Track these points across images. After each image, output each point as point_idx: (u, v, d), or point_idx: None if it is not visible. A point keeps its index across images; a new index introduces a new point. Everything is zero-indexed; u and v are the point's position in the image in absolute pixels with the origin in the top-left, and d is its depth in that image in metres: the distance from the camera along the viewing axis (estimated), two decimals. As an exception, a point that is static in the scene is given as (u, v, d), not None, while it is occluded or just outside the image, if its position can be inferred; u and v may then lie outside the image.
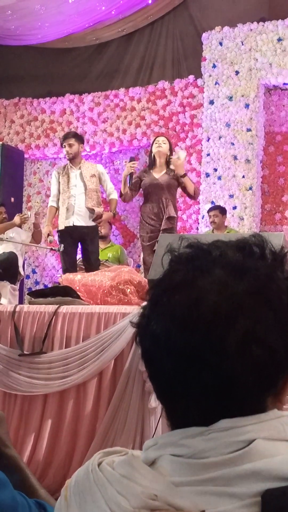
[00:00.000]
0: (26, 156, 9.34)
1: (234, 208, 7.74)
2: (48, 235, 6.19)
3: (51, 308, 3.91)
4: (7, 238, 6.64)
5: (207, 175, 7.98)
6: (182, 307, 0.76)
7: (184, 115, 8.39)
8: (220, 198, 7.82)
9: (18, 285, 6.94)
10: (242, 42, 7.94)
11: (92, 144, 8.87)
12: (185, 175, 5.88)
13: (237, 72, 7.93)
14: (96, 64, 9.26)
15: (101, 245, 6.98)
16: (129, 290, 4.04)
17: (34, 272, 9.25)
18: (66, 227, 6.05)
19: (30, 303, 4.21)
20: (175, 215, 5.93)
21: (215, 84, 8.05)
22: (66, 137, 6.24)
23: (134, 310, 3.62)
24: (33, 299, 4.22)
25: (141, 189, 6.05)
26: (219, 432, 0.74)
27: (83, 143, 6.37)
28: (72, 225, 6.04)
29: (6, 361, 3.88)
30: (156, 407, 3.43)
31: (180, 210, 7.77)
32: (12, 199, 8.61)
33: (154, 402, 3.41)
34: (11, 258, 6.62)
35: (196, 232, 7.90)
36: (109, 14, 8.84)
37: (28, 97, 9.45)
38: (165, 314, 0.77)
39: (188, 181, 5.92)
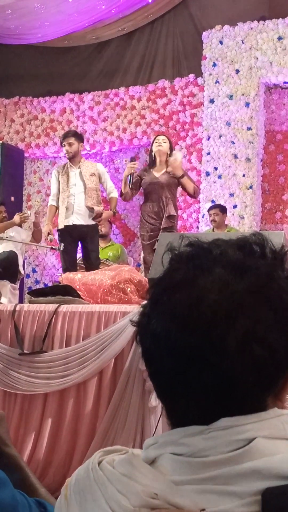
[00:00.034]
0: (26, 155, 9.34)
1: (235, 207, 7.74)
2: (48, 234, 6.19)
3: (51, 307, 3.91)
4: (7, 237, 6.64)
5: (208, 173, 7.98)
6: (182, 306, 0.76)
7: (185, 113, 8.38)
8: (220, 196, 7.82)
9: (18, 284, 6.95)
10: (242, 41, 7.93)
11: (92, 143, 8.87)
12: (183, 175, 5.87)
13: (237, 71, 7.93)
14: (96, 63, 9.26)
15: (102, 244, 6.98)
16: (129, 289, 4.04)
17: (34, 271, 9.25)
18: (66, 226, 6.04)
19: (30, 302, 4.21)
20: (175, 214, 5.93)
21: (216, 82, 8.05)
22: (66, 136, 6.24)
23: (134, 309, 3.62)
24: (33, 298, 4.22)
25: (141, 188, 6.05)
26: (219, 431, 0.74)
27: (82, 142, 6.37)
28: (71, 224, 6.04)
29: (6, 360, 3.88)
30: (156, 406, 3.44)
31: (181, 209, 7.77)
32: (12, 198, 8.61)
33: (154, 401, 3.41)
34: (11, 257, 6.63)
35: (196, 231, 7.90)
36: (109, 13, 8.83)
37: (28, 96, 9.45)
38: (165, 313, 0.77)
39: (187, 181, 5.91)
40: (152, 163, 6.05)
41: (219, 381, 0.74)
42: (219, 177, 7.88)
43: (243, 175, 7.75)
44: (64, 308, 3.88)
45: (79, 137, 6.27)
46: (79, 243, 6.23)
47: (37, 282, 9.16)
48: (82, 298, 4.09)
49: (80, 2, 8.58)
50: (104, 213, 6.21)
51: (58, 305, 3.91)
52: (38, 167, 9.46)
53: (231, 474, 0.72)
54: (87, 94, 9.05)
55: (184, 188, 6.01)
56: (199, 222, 8.04)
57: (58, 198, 6.19)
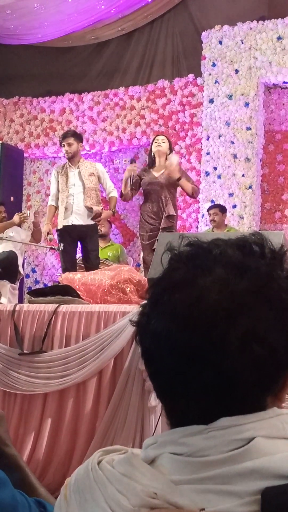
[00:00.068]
0: (25, 155, 9.34)
1: (234, 206, 7.74)
2: (48, 233, 6.19)
3: (51, 307, 3.91)
4: (6, 237, 6.64)
5: (207, 173, 7.98)
6: (182, 305, 0.76)
7: (184, 114, 8.38)
8: (220, 196, 7.82)
9: (18, 284, 6.95)
10: (242, 41, 7.93)
11: (92, 143, 8.87)
12: (180, 178, 5.87)
13: (236, 71, 7.93)
14: (96, 63, 9.26)
15: (101, 244, 6.98)
16: (128, 289, 4.04)
17: (34, 271, 9.25)
18: (65, 226, 6.04)
19: (30, 302, 4.21)
20: (175, 214, 5.93)
21: (215, 82, 8.05)
22: (65, 136, 6.23)
23: (134, 309, 3.63)
24: (32, 298, 4.22)
25: (141, 188, 6.05)
26: (218, 431, 0.74)
27: (82, 142, 6.36)
28: (71, 224, 6.04)
29: (6, 360, 3.88)
30: (156, 406, 3.44)
31: (180, 208, 7.77)
32: (12, 198, 8.61)
33: (154, 400, 3.42)
34: (10, 257, 6.63)
35: (196, 231, 7.90)
36: (109, 13, 8.83)
37: (28, 96, 9.45)
38: (165, 313, 0.77)
39: (184, 183, 5.91)
40: (151, 163, 6.05)
41: (219, 381, 0.74)
42: (219, 177, 7.88)
43: (243, 175, 7.75)
44: (63, 308, 3.88)
45: (79, 137, 6.27)
46: (79, 243, 6.23)
47: (36, 282, 9.16)
48: (81, 298, 4.09)
49: (79, 2, 8.58)
50: (104, 213, 6.21)
51: (57, 305, 3.91)
52: (38, 167, 9.46)
53: (231, 473, 0.72)
54: (86, 94, 9.05)
55: (183, 189, 6.04)
56: (198, 222, 8.04)
57: (57, 198, 6.19)
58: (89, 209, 6.03)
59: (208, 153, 8.00)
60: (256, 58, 7.82)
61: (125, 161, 8.89)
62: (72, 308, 3.86)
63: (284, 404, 0.80)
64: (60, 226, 6.09)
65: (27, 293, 4.70)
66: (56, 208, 6.20)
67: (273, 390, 0.77)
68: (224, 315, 0.74)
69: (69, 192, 6.07)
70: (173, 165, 5.81)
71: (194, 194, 6.09)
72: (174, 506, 0.72)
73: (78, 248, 6.30)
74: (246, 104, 7.82)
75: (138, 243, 7.87)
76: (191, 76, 8.40)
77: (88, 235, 6.11)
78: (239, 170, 7.77)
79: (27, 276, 9.09)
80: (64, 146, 6.18)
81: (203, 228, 7.77)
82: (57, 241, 6.19)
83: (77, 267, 6.18)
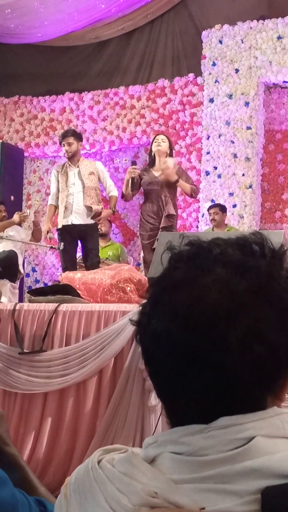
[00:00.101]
0: (26, 154, 9.34)
1: (234, 206, 7.74)
2: (48, 232, 6.19)
3: (51, 306, 3.91)
4: (6, 237, 6.63)
5: (207, 173, 7.98)
6: (183, 305, 0.76)
7: (184, 113, 8.38)
8: (220, 196, 7.82)
9: (18, 283, 6.94)
10: (242, 40, 7.93)
11: (92, 142, 8.87)
12: (178, 180, 5.87)
13: (237, 70, 7.92)
14: (96, 63, 9.25)
15: (101, 243, 6.98)
16: (129, 288, 4.04)
17: (34, 270, 9.25)
18: (65, 226, 6.04)
19: (30, 301, 4.21)
20: (175, 213, 5.93)
21: (215, 82, 8.05)
22: (65, 135, 6.22)
23: (134, 308, 3.62)
24: (33, 297, 4.22)
25: (141, 187, 6.05)
26: (218, 430, 0.74)
27: (81, 141, 6.36)
28: (70, 223, 6.04)
29: (6, 360, 3.88)
30: (156, 405, 3.44)
31: (180, 208, 7.77)
32: (12, 198, 8.61)
33: (154, 400, 3.42)
34: (11, 257, 6.62)
35: (196, 230, 7.90)
36: (109, 12, 8.83)
37: (28, 95, 9.45)
38: (165, 313, 0.77)
39: (183, 184, 5.91)
40: (151, 162, 6.05)
41: (220, 380, 0.74)
42: (219, 176, 7.88)
43: (243, 175, 7.75)
44: (64, 307, 3.88)
45: (78, 136, 6.27)
46: (79, 242, 6.23)
47: (37, 281, 9.16)
48: (82, 297, 4.09)
49: (79, 1, 8.58)
50: (104, 212, 6.20)
51: (58, 304, 3.91)
52: (38, 166, 9.46)
53: (231, 473, 0.72)
54: (86, 94, 9.05)
55: (182, 190, 6.05)
56: (198, 222, 8.04)
57: (57, 198, 6.19)
58: (89, 208, 6.03)
59: (208, 153, 8.00)
60: (256, 57, 7.82)
61: (125, 160, 8.89)
62: (72, 308, 3.86)
63: (284, 403, 0.80)
64: (60, 226, 6.09)
65: (27, 292, 4.70)
66: (56, 207, 6.20)
67: (273, 390, 0.77)
68: (224, 315, 0.74)
69: (69, 191, 6.07)
70: (170, 168, 5.81)
71: (193, 194, 6.09)
72: (174, 505, 0.72)
73: (78, 247, 6.30)
74: (246, 104, 7.82)
75: (138, 242, 7.87)
76: (191, 75, 8.40)
77: (88, 234, 6.11)
78: (239, 170, 7.77)
79: (27, 275, 9.10)
80: (64, 145, 6.18)
81: (203, 227, 7.77)
82: (57, 241, 6.19)
83: (77, 266, 6.18)
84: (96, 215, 6.05)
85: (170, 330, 0.76)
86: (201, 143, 8.12)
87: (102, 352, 3.63)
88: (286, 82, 7.92)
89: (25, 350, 3.87)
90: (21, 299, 6.96)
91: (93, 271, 4.60)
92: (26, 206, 9.19)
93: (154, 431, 3.42)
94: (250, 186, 7.71)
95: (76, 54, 9.40)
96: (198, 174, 8.07)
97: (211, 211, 7.16)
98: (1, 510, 0.98)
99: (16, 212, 6.69)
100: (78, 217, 6.05)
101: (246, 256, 0.79)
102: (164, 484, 0.74)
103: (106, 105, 8.89)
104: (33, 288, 7.32)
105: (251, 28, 7.90)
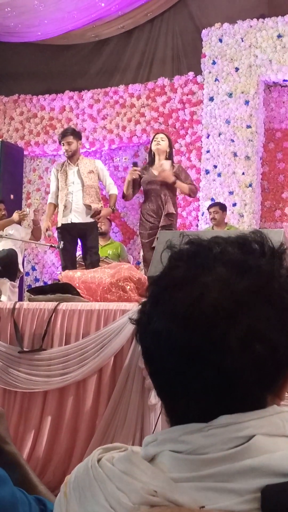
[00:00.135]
0: (25, 153, 9.33)
1: (234, 205, 7.73)
2: (47, 229, 6.19)
3: (50, 305, 3.92)
4: (6, 235, 6.63)
5: (207, 172, 7.97)
6: (183, 305, 0.76)
7: (184, 112, 8.38)
8: (220, 195, 7.82)
9: (18, 282, 6.94)
10: (242, 39, 7.93)
11: (92, 141, 8.86)
12: (175, 181, 5.87)
13: (237, 69, 7.92)
14: (96, 61, 9.25)
15: (101, 242, 6.98)
16: (128, 287, 4.04)
17: (33, 269, 9.25)
18: (65, 225, 6.04)
19: (29, 300, 4.21)
20: (174, 212, 5.92)
21: (215, 80, 8.04)
22: (64, 135, 6.20)
23: (133, 307, 3.62)
24: (32, 296, 4.22)
25: (141, 186, 6.05)
26: (218, 428, 0.74)
27: (81, 140, 6.35)
28: (70, 222, 6.04)
29: (6, 358, 3.89)
30: (155, 404, 3.44)
31: (180, 207, 7.77)
32: (12, 196, 8.61)
33: (154, 398, 3.42)
34: (10, 255, 6.62)
35: (196, 229, 7.90)
36: (109, 10, 8.82)
37: (28, 94, 9.45)
38: (165, 312, 0.77)
39: (180, 185, 5.91)
40: (151, 161, 6.05)
41: (220, 380, 0.74)
42: (219, 175, 7.88)
43: (243, 173, 7.75)
44: (63, 306, 3.88)
45: (77, 135, 6.26)
46: (79, 240, 6.23)
47: (36, 280, 9.16)
48: (81, 296, 4.09)
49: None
50: (103, 210, 6.20)
51: (57, 303, 3.91)
52: (38, 165, 9.46)
53: (231, 471, 0.72)
54: (86, 92, 9.05)
55: (180, 191, 6.06)
56: (198, 220, 8.04)
57: (57, 196, 6.19)
58: (88, 206, 6.03)
59: (208, 151, 8.00)
60: (256, 56, 7.81)
61: (125, 159, 8.89)
62: (72, 306, 3.86)
63: (283, 402, 0.80)
64: (59, 224, 6.09)
65: (27, 291, 4.70)
66: (56, 206, 6.20)
67: (273, 389, 0.77)
68: (224, 314, 0.74)
69: (68, 190, 6.07)
70: (166, 171, 5.82)
71: (191, 194, 6.09)
72: (174, 503, 0.72)
73: (78, 246, 6.30)
74: (246, 102, 7.81)
75: (138, 241, 7.87)
76: (191, 74, 8.39)
77: (88, 232, 6.11)
78: (239, 168, 7.77)
79: (27, 274, 9.10)
80: (63, 145, 6.17)
81: (203, 226, 7.77)
82: (57, 239, 6.19)
83: (77, 265, 6.18)
84: (96, 214, 6.05)
85: (170, 330, 0.76)
86: (201, 141, 8.12)
87: (102, 351, 3.63)
88: (286, 80, 7.92)
89: (25, 349, 3.87)
90: (20, 298, 6.97)
91: (92, 270, 4.60)
92: (25, 204, 9.19)
93: (154, 430, 3.43)
94: (250, 185, 7.71)
95: (76, 53, 9.40)
96: (198, 172, 8.07)
97: (211, 210, 7.16)
98: (1, 509, 0.98)
99: (16, 211, 6.68)
100: (78, 216, 6.05)
101: (246, 255, 0.79)
102: (164, 482, 0.74)
103: (106, 104, 8.89)
104: (32, 286, 7.32)
105: (251, 26, 7.90)
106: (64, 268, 5.79)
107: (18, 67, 9.51)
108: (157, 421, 3.48)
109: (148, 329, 0.79)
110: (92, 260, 6.01)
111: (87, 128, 8.86)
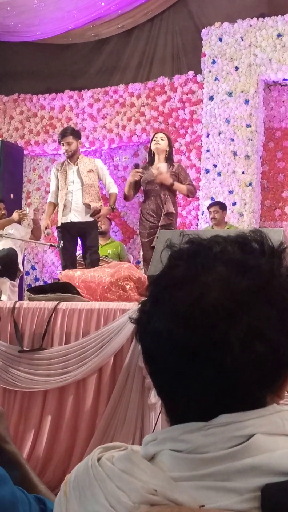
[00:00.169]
0: (25, 152, 9.33)
1: (234, 204, 7.73)
2: (46, 228, 6.19)
3: (50, 304, 3.91)
4: (6, 235, 6.63)
5: (207, 171, 7.97)
6: (183, 304, 0.76)
7: (184, 111, 8.38)
8: (219, 194, 7.82)
9: (18, 281, 6.94)
10: (241, 38, 7.92)
11: (92, 140, 8.86)
12: (172, 184, 5.87)
13: (236, 68, 7.92)
14: (96, 60, 9.25)
15: (101, 241, 6.98)
16: (128, 286, 4.04)
17: (33, 268, 9.25)
18: (65, 224, 6.05)
19: (29, 299, 4.21)
20: (174, 211, 5.92)
21: (215, 80, 8.04)
22: (63, 135, 6.19)
23: (133, 306, 3.62)
24: (32, 295, 4.22)
25: (141, 186, 6.05)
26: (218, 427, 0.74)
27: (80, 139, 6.35)
28: (70, 221, 6.04)
29: (6, 358, 3.89)
30: (155, 403, 3.44)
31: (180, 206, 7.77)
32: (12, 196, 8.61)
33: (153, 398, 3.42)
34: (10, 255, 6.62)
35: (195, 228, 7.90)
36: (109, 10, 8.82)
37: (28, 93, 9.44)
38: (166, 312, 0.77)
39: (178, 186, 5.91)
40: (151, 161, 6.05)
41: (220, 380, 0.74)
42: (219, 174, 7.88)
43: (243, 172, 7.75)
44: (63, 305, 3.88)
45: (77, 135, 6.26)
46: (79, 240, 6.23)
47: (36, 279, 9.16)
48: (81, 295, 4.09)
49: (79, -1, 8.57)
50: (103, 209, 6.20)
51: (57, 302, 3.91)
52: (38, 164, 9.46)
53: (231, 470, 0.72)
54: (86, 91, 9.04)
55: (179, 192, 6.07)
56: (198, 220, 8.04)
57: (57, 195, 6.19)
58: (88, 206, 6.03)
59: (208, 150, 8.00)
60: (256, 55, 7.81)
61: (125, 158, 8.89)
62: (72, 306, 3.86)
63: (283, 401, 0.80)
64: (59, 224, 6.09)
65: (27, 290, 4.70)
66: (56, 205, 6.20)
67: (273, 388, 0.77)
68: (224, 314, 0.74)
69: (68, 189, 6.07)
70: (163, 173, 5.82)
71: (190, 195, 6.09)
72: (174, 502, 0.72)
73: (78, 245, 6.30)
74: (246, 101, 7.81)
75: (138, 240, 7.86)
76: (191, 73, 8.39)
77: (88, 231, 6.11)
78: (239, 168, 7.77)
79: (27, 273, 9.10)
80: (63, 145, 6.17)
81: (203, 225, 7.77)
82: (57, 239, 6.19)
83: (77, 264, 6.18)
84: (95, 213, 6.05)
85: (170, 329, 0.76)
86: (201, 141, 8.12)
87: (102, 350, 3.63)
88: (286, 79, 7.92)
89: (24, 348, 3.87)
90: (20, 297, 6.97)
91: (92, 269, 4.61)
92: (25, 204, 9.19)
93: (154, 429, 3.43)
94: (250, 184, 7.71)
95: (76, 52, 9.39)
96: (197, 172, 8.07)
97: (211, 209, 7.16)
98: (1, 508, 0.98)
99: (16, 210, 6.69)
100: (77, 215, 6.05)
101: (246, 254, 0.79)
102: (164, 481, 0.74)
103: (105, 103, 8.88)
104: (32, 286, 7.32)
105: (250, 25, 7.89)
106: (64, 268, 5.79)
107: (18, 67, 9.51)
108: (157, 420, 3.48)
109: (148, 328, 0.79)
110: (92, 259, 6.01)
111: (87, 127, 8.85)
